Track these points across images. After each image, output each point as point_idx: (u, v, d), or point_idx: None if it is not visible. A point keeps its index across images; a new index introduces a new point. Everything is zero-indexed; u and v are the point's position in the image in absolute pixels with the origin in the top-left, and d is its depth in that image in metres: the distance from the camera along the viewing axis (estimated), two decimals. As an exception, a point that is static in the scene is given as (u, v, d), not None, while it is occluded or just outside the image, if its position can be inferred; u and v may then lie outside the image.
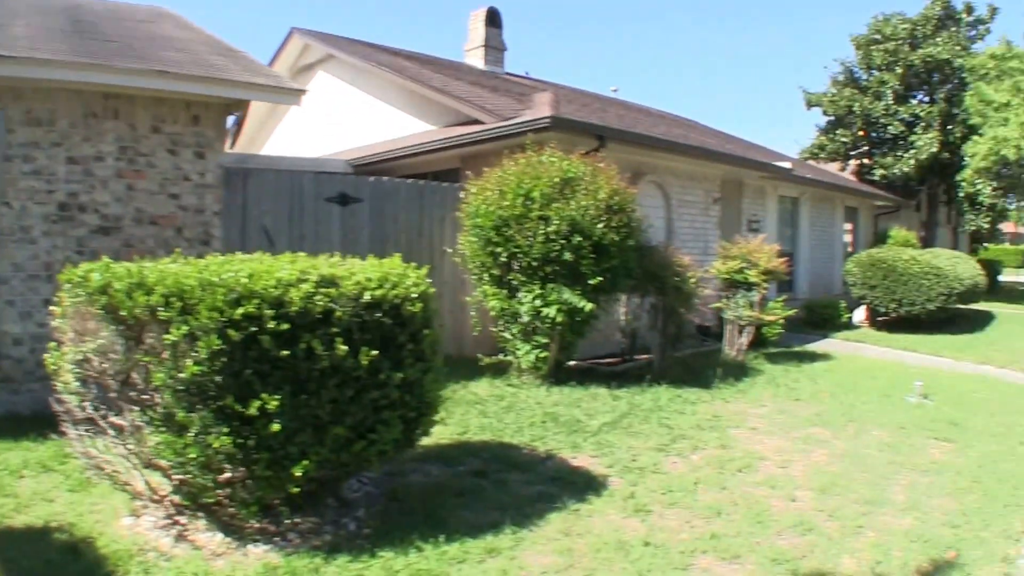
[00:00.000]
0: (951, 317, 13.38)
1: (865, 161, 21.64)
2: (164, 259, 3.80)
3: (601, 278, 6.76)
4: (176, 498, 3.60)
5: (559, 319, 6.68)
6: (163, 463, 3.39)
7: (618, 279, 7.07)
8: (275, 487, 3.40)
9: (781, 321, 9.76)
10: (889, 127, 20.46)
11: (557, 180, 6.80)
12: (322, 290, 3.38)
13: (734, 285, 9.03)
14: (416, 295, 3.77)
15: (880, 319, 13.41)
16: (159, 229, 6.30)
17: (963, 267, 13.31)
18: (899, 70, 20.37)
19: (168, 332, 3.16)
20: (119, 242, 6.10)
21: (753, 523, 4.08)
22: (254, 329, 3.18)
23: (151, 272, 3.33)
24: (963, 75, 18.99)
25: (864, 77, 21.65)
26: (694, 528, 3.99)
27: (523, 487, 4.47)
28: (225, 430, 3.20)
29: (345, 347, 3.36)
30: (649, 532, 3.89)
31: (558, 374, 7.18)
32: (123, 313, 3.23)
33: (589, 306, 6.71)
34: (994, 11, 21.21)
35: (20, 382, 5.73)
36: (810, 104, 22.26)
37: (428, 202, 8.16)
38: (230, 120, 7.88)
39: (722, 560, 3.62)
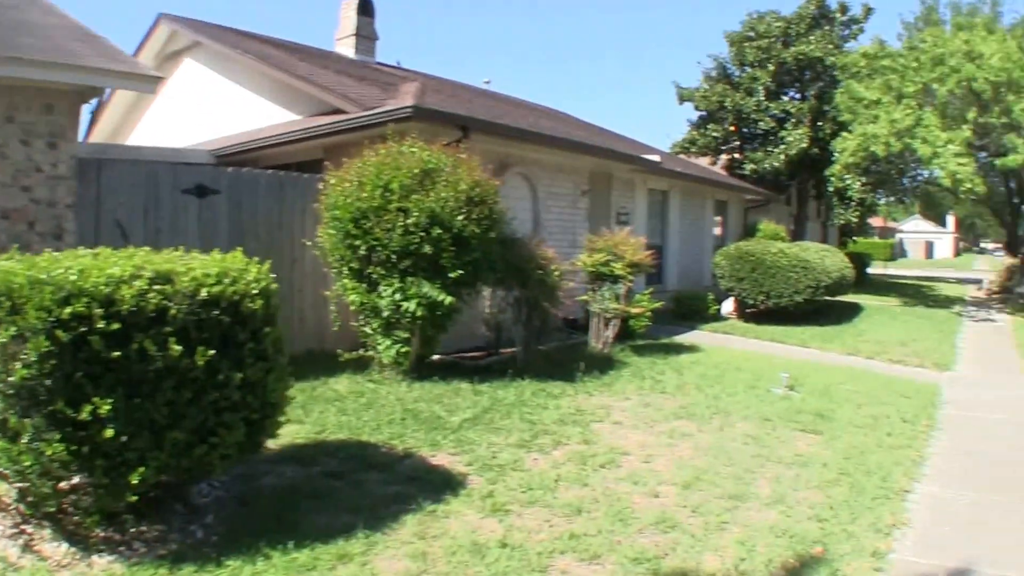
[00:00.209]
0: (819, 309, 13.80)
1: (736, 156, 22.17)
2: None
3: (462, 271, 6.70)
4: (22, 507, 3.48)
5: (419, 313, 6.58)
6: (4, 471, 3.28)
7: (480, 272, 7.03)
8: (114, 495, 3.31)
9: (648, 313, 9.90)
10: (760, 123, 21.10)
11: (417, 171, 6.69)
12: (156, 287, 3.30)
13: (600, 278, 9.10)
14: (257, 291, 3.67)
15: (748, 311, 13.78)
16: (10, 223, 5.94)
17: (831, 260, 13.86)
18: (771, 67, 21.01)
19: (-4, 333, 3.03)
20: (-30, 238, 5.63)
21: (615, 521, 4.03)
22: (83, 329, 3.08)
23: (-21, 270, 3.18)
24: (835, 73, 19.85)
25: (737, 73, 22.22)
26: (553, 528, 3.93)
27: (379, 488, 4.37)
28: (58, 436, 3.12)
29: (180, 347, 3.28)
30: (507, 533, 3.82)
31: (420, 369, 7.09)
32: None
33: (449, 300, 6.64)
34: (869, 11, 21.82)
35: None
36: (683, 99, 22.48)
37: (289, 194, 7.88)
38: (86, 109, 7.37)
39: (581, 561, 3.58)
